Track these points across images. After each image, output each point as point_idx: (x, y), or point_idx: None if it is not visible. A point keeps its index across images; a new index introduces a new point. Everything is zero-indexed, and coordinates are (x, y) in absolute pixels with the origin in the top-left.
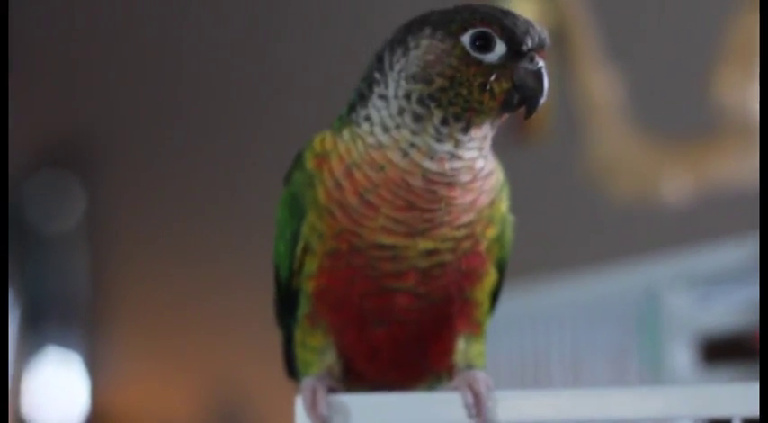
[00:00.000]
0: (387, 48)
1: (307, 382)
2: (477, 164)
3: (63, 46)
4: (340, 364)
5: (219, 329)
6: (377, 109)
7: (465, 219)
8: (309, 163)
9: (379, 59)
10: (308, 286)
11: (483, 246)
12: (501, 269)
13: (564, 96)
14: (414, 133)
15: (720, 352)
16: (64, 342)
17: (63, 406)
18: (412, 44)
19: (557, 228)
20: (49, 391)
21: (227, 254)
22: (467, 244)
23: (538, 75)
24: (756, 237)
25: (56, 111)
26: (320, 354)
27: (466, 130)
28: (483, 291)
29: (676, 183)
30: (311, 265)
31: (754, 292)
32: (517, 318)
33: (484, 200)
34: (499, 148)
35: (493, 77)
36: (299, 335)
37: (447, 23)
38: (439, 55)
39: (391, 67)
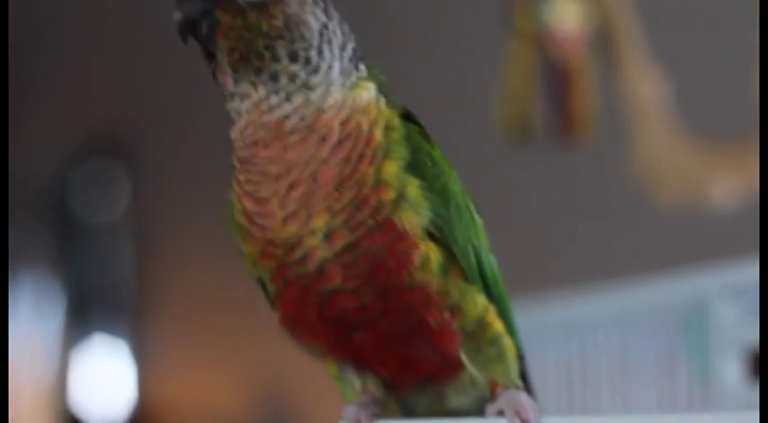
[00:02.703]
0: None
1: (350, 410)
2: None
3: (110, 36)
4: (374, 382)
5: (266, 318)
6: None
7: (332, 176)
8: (230, 192)
9: None
10: (280, 314)
11: (385, 212)
12: (447, 240)
13: (609, 98)
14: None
15: None
16: (111, 330)
17: (110, 393)
18: None
19: (601, 234)
20: (96, 379)
21: None
22: (363, 215)
23: None
24: None
25: (103, 101)
26: (340, 379)
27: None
28: (428, 271)
29: (725, 187)
30: (274, 300)
31: None
32: (564, 326)
33: (346, 158)
34: (544, 151)
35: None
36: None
37: None
38: None
39: None
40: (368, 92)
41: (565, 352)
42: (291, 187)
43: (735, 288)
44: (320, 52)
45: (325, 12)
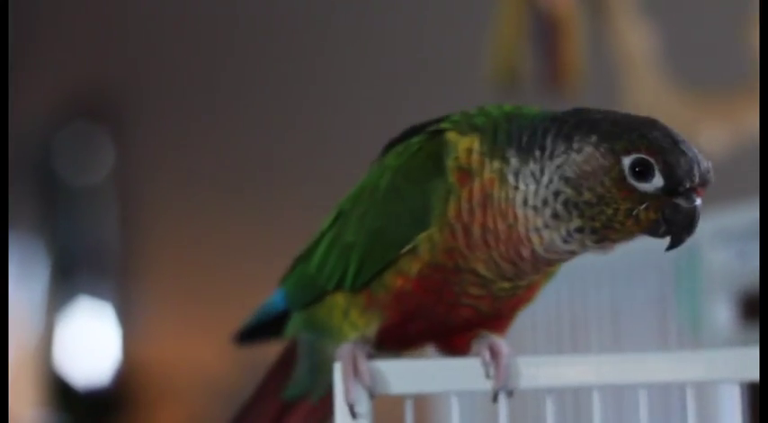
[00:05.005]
0: (554, 128)
1: (345, 348)
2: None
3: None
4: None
5: (250, 279)
6: (525, 180)
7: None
8: (453, 175)
9: (544, 134)
10: (392, 281)
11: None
12: None
13: (599, 48)
14: (546, 226)
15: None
16: (95, 292)
17: (95, 355)
18: (576, 146)
19: None
20: (81, 340)
21: (257, 203)
22: (535, 279)
23: (690, 214)
24: None
25: (86, 64)
26: (362, 330)
27: (599, 242)
28: (522, 310)
29: (714, 136)
30: (409, 266)
31: None
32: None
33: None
34: (532, 100)
35: (643, 206)
36: (343, 302)
37: (614, 139)
38: (596, 169)
39: (551, 157)
40: None
41: (554, 298)
42: (517, 272)
43: (725, 233)
44: None
45: None
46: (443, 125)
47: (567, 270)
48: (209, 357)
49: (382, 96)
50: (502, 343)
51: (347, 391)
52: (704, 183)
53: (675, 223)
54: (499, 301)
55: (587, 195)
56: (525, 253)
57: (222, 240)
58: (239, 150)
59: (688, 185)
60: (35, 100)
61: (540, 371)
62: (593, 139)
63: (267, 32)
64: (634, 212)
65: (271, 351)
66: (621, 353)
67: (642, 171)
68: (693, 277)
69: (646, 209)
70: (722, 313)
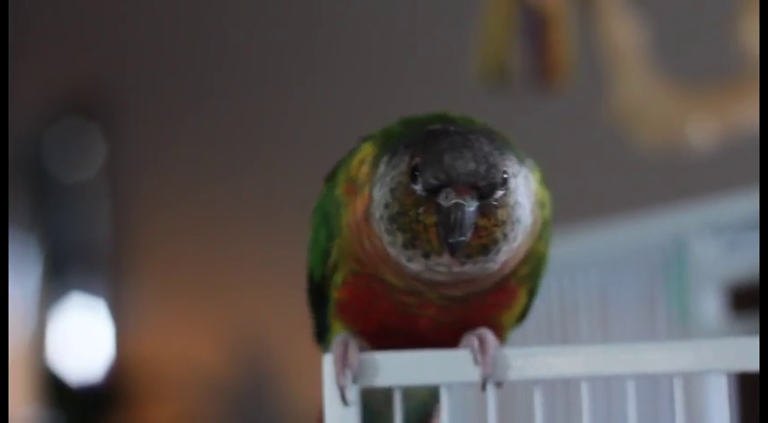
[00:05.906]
0: (406, 141)
1: (339, 337)
2: (488, 268)
3: None
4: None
5: (244, 274)
6: (374, 191)
7: (487, 283)
8: (341, 187)
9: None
10: (333, 294)
11: (513, 282)
12: (532, 294)
13: (587, 42)
14: (389, 244)
15: (749, 300)
16: (88, 288)
17: (88, 352)
18: (404, 157)
19: (580, 175)
20: (74, 337)
21: (250, 199)
22: (493, 285)
23: (446, 212)
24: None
25: (76, 60)
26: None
27: (427, 257)
28: (511, 316)
29: (702, 128)
30: (338, 278)
31: None
32: None
33: (511, 264)
34: (522, 96)
35: (421, 210)
36: (329, 319)
37: (414, 147)
38: (401, 178)
39: (394, 167)
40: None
41: (544, 290)
42: (435, 289)
43: (712, 225)
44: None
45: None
46: (375, 132)
47: (555, 262)
48: (203, 353)
49: (369, 93)
50: (490, 333)
51: (338, 375)
52: (469, 184)
53: (441, 224)
54: (451, 310)
55: (395, 206)
56: (407, 271)
57: (215, 236)
58: (232, 146)
59: (434, 182)
60: (25, 96)
61: (528, 362)
62: (410, 149)
63: (256, 30)
64: (420, 218)
65: (265, 346)
66: (610, 344)
67: (416, 174)
68: (682, 268)
69: (424, 212)
70: (711, 304)
